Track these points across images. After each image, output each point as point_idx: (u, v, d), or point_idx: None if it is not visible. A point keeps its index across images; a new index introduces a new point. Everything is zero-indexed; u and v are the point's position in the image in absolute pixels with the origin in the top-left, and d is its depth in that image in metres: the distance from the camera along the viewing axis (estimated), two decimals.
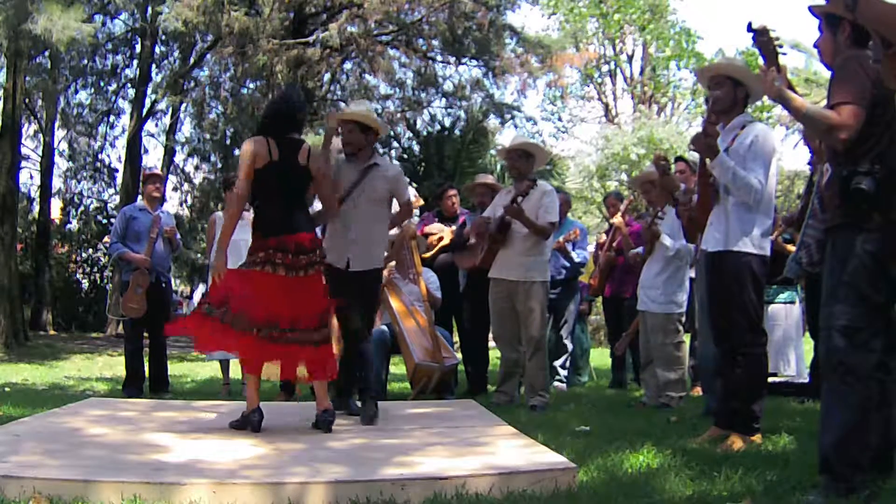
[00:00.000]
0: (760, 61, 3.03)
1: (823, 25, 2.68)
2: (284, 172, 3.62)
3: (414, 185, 14.94)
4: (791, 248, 4.54)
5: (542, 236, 4.87)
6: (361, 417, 3.94)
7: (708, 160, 3.51)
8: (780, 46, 2.97)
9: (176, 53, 15.58)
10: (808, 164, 4.01)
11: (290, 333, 3.55)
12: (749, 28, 3.01)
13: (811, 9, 2.71)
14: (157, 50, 15.65)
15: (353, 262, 4.12)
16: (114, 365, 9.33)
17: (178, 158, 17.17)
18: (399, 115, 14.88)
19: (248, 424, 3.57)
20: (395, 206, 4.45)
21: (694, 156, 4.29)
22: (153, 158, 18.15)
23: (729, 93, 3.58)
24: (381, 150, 15.42)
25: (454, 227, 5.92)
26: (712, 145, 3.48)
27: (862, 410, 2.37)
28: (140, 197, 6.13)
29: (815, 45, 2.76)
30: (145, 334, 5.88)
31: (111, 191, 18.44)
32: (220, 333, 3.56)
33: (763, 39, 2.98)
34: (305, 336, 3.58)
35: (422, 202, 7.03)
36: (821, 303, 2.53)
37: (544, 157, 5.29)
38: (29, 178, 18.02)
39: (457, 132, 15.01)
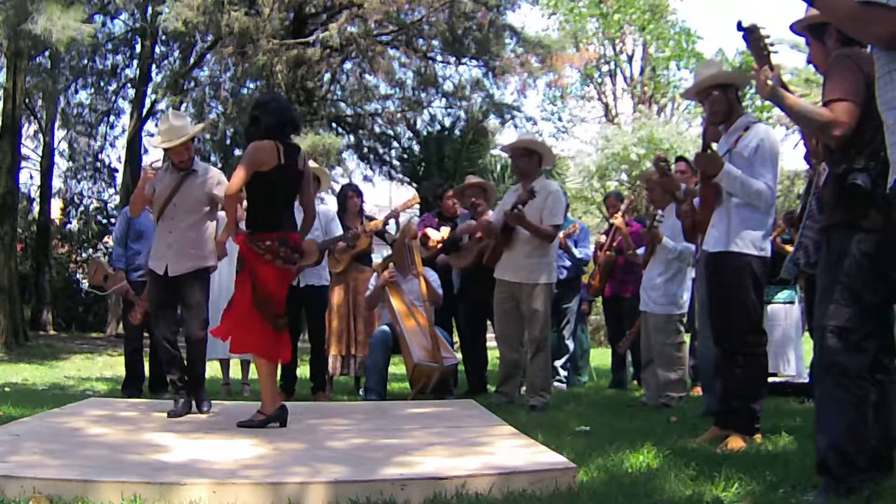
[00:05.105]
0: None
1: (810, 39, 2.68)
2: (286, 176, 3.77)
3: (414, 185, 14.98)
4: (790, 248, 4.54)
5: (546, 240, 4.86)
6: (199, 406, 4.23)
7: (714, 175, 3.49)
8: (772, 45, 2.96)
9: (176, 53, 15.55)
10: (805, 158, 4.00)
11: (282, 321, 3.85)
12: (739, 27, 3.00)
13: (792, 28, 2.72)
14: (157, 50, 15.63)
15: (170, 267, 4.24)
16: (114, 365, 9.33)
17: None
18: (399, 115, 14.86)
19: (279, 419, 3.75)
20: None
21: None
22: (153, 159, 18.16)
23: (721, 99, 3.57)
24: (380, 150, 15.48)
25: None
26: (715, 161, 3.47)
27: (857, 411, 2.36)
28: None
29: (809, 62, 2.76)
30: (145, 334, 5.88)
31: (111, 191, 18.46)
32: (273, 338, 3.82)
33: (753, 38, 2.97)
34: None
35: (418, 201, 7.04)
36: (815, 302, 2.52)
37: (550, 155, 5.25)
38: (29, 178, 18.06)
39: (457, 132, 14.99)
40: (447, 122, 15.29)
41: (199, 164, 4.42)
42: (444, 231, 5.90)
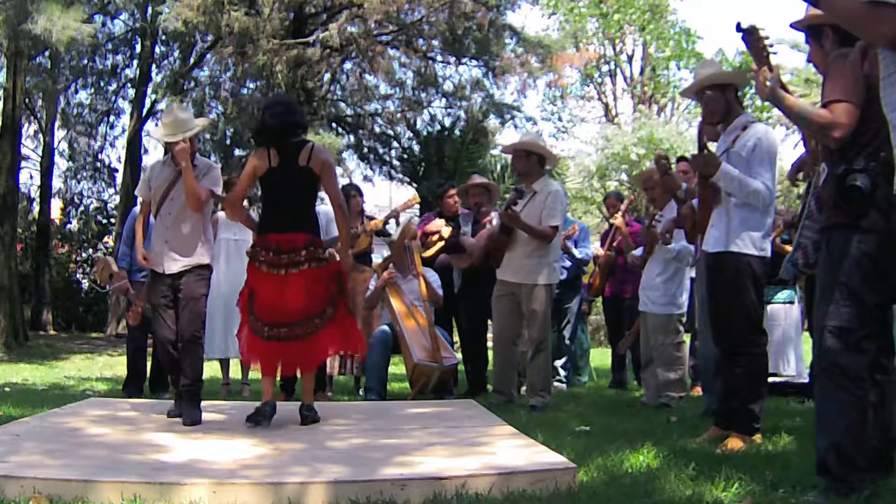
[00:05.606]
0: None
1: (809, 39, 2.68)
2: (280, 177, 3.77)
3: (414, 185, 14.97)
4: (790, 248, 4.53)
5: (545, 240, 4.84)
6: (183, 417, 3.84)
7: (711, 175, 3.49)
8: (771, 45, 2.96)
9: (176, 53, 15.55)
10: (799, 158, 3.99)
11: (280, 329, 3.75)
12: (738, 28, 3.00)
13: (793, 25, 2.72)
14: (157, 50, 15.63)
15: (167, 265, 4.12)
16: (114, 365, 9.33)
17: None
18: (399, 115, 14.86)
19: (261, 416, 3.68)
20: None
21: None
22: (153, 158, 17.93)
23: (717, 99, 3.57)
24: (380, 150, 15.48)
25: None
26: (712, 161, 3.47)
27: (856, 411, 2.36)
28: None
29: (809, 62, 2.76)
30: (149, 334, 5.88)
31: (111, 191, 18.46)
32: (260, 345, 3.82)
33: (753, 39, 2.97)
34: (291, 332, 3.76)
35: (418, 201, 7.04)
36: (815, 303, 2.52)
37: (551, 156, 5.22)
38: (29, 178, 18.06)
39: (457, 132, 15.00)
40: (447, 122, 15.31)
41: (200, 159, 4.24)
42: (446, 229, 5.90)
